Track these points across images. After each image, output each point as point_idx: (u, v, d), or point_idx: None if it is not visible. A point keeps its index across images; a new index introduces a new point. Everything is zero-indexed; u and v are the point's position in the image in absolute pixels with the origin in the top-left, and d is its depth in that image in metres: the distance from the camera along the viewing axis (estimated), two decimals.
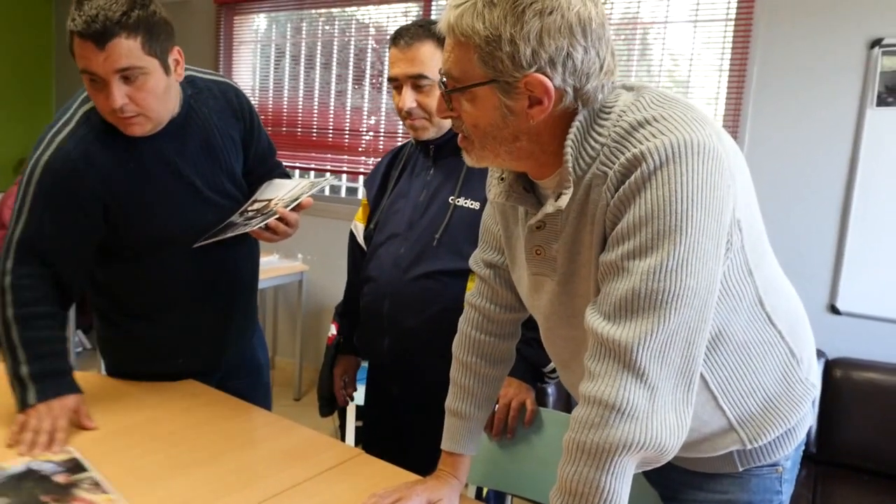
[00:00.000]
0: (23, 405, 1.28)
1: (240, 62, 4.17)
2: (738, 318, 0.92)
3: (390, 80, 1.49)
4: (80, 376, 1.52)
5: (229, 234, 1.42)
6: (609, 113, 0.86)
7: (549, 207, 0.89)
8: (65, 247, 1.36)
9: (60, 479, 1.15)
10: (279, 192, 1.51)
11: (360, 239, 1.68)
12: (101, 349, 1.64)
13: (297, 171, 3.90)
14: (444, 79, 0.88)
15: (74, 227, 1.35)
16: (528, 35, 0.79)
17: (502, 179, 0.98)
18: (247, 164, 1.57)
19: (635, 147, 0.81)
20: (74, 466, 1.19)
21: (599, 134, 0.85)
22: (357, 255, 1.69)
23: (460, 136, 0.93)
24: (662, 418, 0.82)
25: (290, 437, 1.33)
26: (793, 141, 2.58)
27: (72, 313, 3.33)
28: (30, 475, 1.15)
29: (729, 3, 2.65)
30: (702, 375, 0.92)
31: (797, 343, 1.00)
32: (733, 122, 2.66)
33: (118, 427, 1.32)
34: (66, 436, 1.25)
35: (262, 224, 1.40)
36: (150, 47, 1.24)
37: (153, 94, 1.28)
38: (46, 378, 1.31)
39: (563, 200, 0.87)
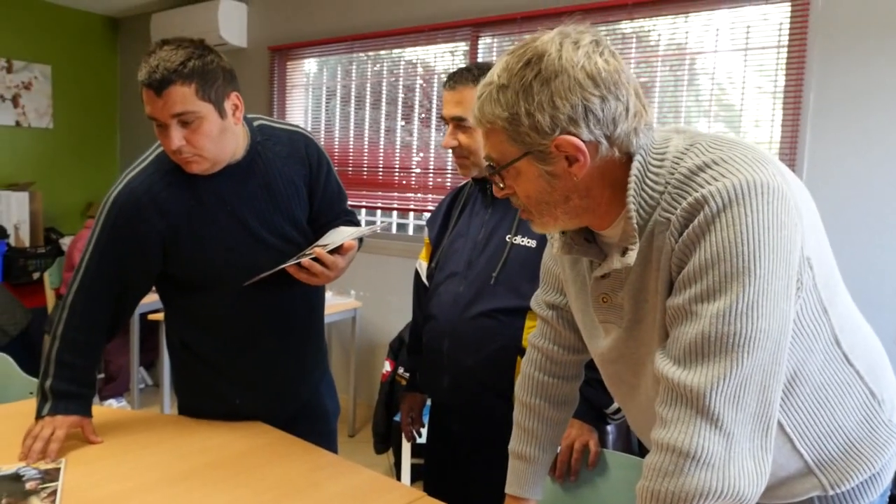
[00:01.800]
0: (38, 414, 1.41)
1: (292, 105, 4.31)
2: (814, 359, 0.90)
3: (441, 118, 1.54)
4: (142, 415, 1.58)
5: (269, 272, 1.45)
6: (662, 159, 0.86)
7: (617, 263, 0.90)
8: (124, 276, 1.46)
9: (30, 485, 1.24)
10: (336, 238, 1.54)
11: (424, 277, 1.70)
12: (173, 385, 1.70)
13: None
14: (490, 164, 0.92)
15: (134, 259, 1.45)
16: (542, 104, 0.82)
17: (563, 233, 0.99)
18: (312, 210, 1.61)
19: (696, 191, 0.81)
20: (49, 476, 1.28)
21: (656, 181, 0.86)
22: (421, 293, 1.71)
23: (520, 210, 0.95)
24: (740, 465, 0.79)
25: (352, 479, 1.34)
26: (854, 166, 2.51)
27: (136, 350, 3.44)
28: (11, 478, 1.27)
29: (780, 29, 2.62)
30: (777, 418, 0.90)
31: (877, 383, 0.96)
32: (790, 150, 2.61)
33: (180, 468, 1.35)
34: (59, 446, 1.37)
35: (295, 262, 1.43)
36: (203, 93, 1.34)
37: (208, 136, 1.37)
38: (64, 398, 1.43)
39: (631, 257, 0.87)
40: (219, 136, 1.39)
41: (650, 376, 0.95)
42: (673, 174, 0.85)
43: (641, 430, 1.07)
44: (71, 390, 1.44)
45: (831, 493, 0.95)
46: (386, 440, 3.00)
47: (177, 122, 1.34)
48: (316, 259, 1.44)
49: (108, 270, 1.45)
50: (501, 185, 0.92)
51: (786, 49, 2.61)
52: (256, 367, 1.58)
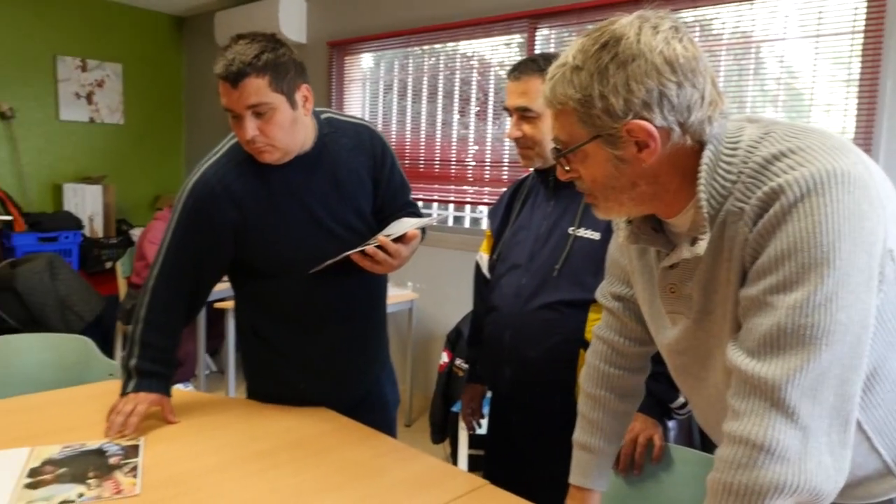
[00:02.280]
0: (122, 392, 1.50)
1: (350, 99, 4.38)
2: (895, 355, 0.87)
3: (505, 109, 1.54)
4: (213, 398, 1.64)
5: (334, 259, 1.48)
6: (735, 148, 0.84)
7: (686, 253, 0.89)
8: (199, 262, 1.53)
9: (113, 460, 1.31)
10: (399, 228, 1.56)
11: (485, 269, 1.71)
12: (242, 370, 1.77)
13: None
14: (557, 146, 0.91)
15: (208, 246, 1.52)
16: (617, 87, 0.82)
17: (630, 222, 0.98)
18: (377, 201, 1.65)
19: (772, 180, 0.79)
20: (131, 452, 1.35)
21: (728, 171, 0.84)
22: (482, 285, 1.72)
23: (585, 195, 0.95)
24: (817, 461, 0.78)
25: (416, 466, 1.37)
26: None
27: (202, 337, 3.57)
28: (97, 453, 1.34)
29: (855, 14, 2.51)
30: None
31: None
32: (865, 140, 2.50)
33: (250, 450, 1.40)
34: (138, 420, 1.44)
35: (359, 250, 1.46)
36: (276, 85, 1.39)
37: (280, 126, 1.42)
38: (147, 376, 1.51)
39: (701, 247, 0.86)
40: (290, 127, 1.44)
41: (720, 369, 0.93)
42: (747, 163, 0.83)
43: (709, 423, 1.06)
44: (153, 369, 1.52)
45: None
46: (442, 430, 3.03)
47: (251, 113, 1.39)
48: (380, 247, 1.47)
49: (185, 257, 1.52)
50: (567, 168, 0.92)
51: (861, 35, 2.50)
52: (321, 352, 1.63)
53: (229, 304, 3.27)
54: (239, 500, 1.19)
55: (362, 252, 1.48)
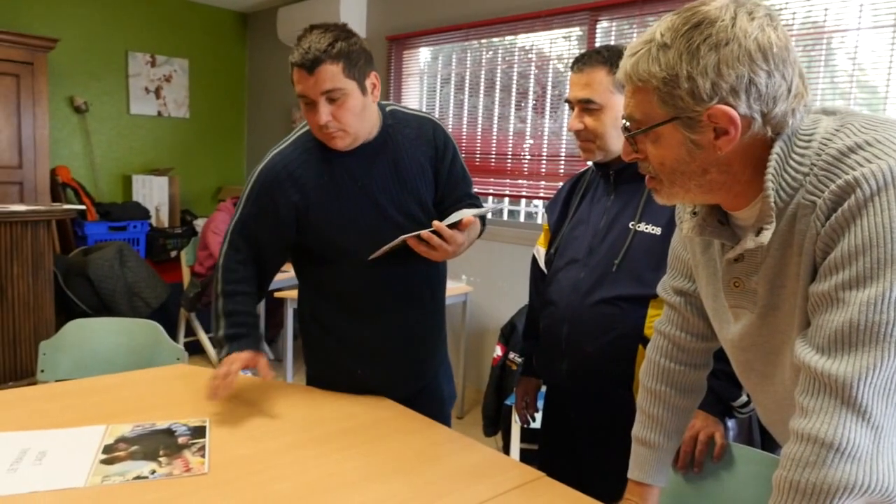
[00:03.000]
0: (219, 360, 1.55)
1: (408, 92, 4.41)
2: None
3: (567, 101, 1.53)
4: (276, 384, 1.70)
5: (390, 244, 1.50)
6: (809, 140, 0.82)
7: (750, 243, 0.87)
8: (263, 241, 1.61)
9: (183, 440, 1.36)
10: (456, 216, 1.57)
11: (542, 263, 1.71)
12: (303, 356, 1.83)
13: None
14: (627, 123, 0.90)
15: (272, 226, 1.59)
16: (706, 69, 0.80)
17: (695, 214, 0.97)
18: (438, 191, 1.68)
19: (847, 173, 0.77)
20: (198, 433, 1.40)
21: (801, 163, 0.82)
22: (539, 280, 1.72)
23: (647, 177, 0.93)
24: (889, 460, 0.76)
25: (473, 455, 1.38)
26: None
27: (261, 326, 3.67)
28: (166, 432, 1.40)
29: None
30: None
31: None
32: None
33: (310, 434, 1.44)
34: (233, 379, 1.50)
35: (415, 234, 1.48)
36: (349, 72, 1.46)
37: (352, 112, 1.49)
38: (234, 339, 1.56)
39: (766, 236, 0.84)
40: (361, 112, 1.51)
41: (787, 366, 0.91)
42: (820, 155, 0.81)
43: (774, 422, 1.03)
44: (239, 332, 1.58)
45: None
46: (495, 423, 3.04)
47: (325, 99, 1.45)
48: (435, 233, 1.49)
49: (250, 235, 1.60)
50: (634, 148, 0.91)
51: None
52: (377, 339, 1.65)
53: (288, 294, 3.35)
54: (300, 481, 1.23)
55: (418, 237, 1.50)
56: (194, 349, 4.45)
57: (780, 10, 2.77)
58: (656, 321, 1.21)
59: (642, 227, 1.47)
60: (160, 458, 1.28)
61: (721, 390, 1.33)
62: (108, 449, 1.31)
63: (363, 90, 1.50)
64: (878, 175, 0.75)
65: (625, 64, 0.88)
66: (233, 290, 1.60)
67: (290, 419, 1.51)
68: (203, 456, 1.30)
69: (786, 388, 0.92)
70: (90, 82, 4.94)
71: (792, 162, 0.83)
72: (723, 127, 0.82)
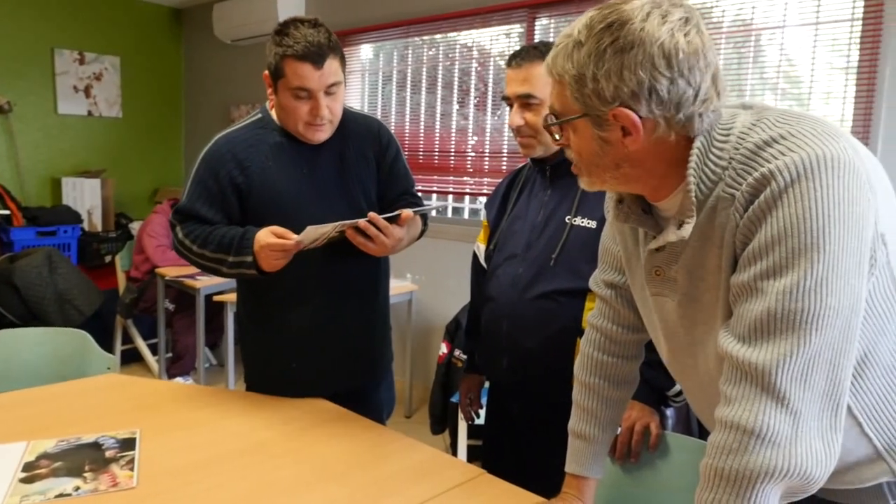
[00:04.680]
0: (257, 270, 1.51)
1: (349, 90, 4.36)
2: (886, 340, 0.86)
3: (504, 98, 1.53)
4: (211, 390, 1.65)
5: (325, 230, 1.47)
6: (728, 134, 0.84)
7: (672, 236, 0.89)
8: (210, 217, 1.59)
9: (110, 453, 1.31)
10: (396, 212, 1.56)
11: (482, 259, 1.71)
12: (241, 358, 1.80)
13: None
14: (552, 113, 0.92)
15: (217, 205, 1.59)
16: (609, 73, 0.81)
17: (621, 202, 0.99)
18: (379, 186, 1.69)
19: (763, 166, 0.79)
20: (127, 444, 1.35)
21: (720, 157, 0.84)
22: (479, 275, 1.72)
23: (573, 165, 0.95)
24: (808, 445, 0.78)
25: (413, 455, 1.37)
26: None
27: (201, 330, 3.58)
28: (92, 446, 1.34)
29: (854, 1, 2.49)
30: None
31: None
32: (864, 127, 2.49)
33: (247, 441, 1.40)
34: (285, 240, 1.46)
35: (352, 222, 1.46)
36: (342, 66, 1.54)
37: (342, 103, 1.59)
38: (240, 249, 1.51)
39: (687, 230, 0.86)
40: (342, 104, 1.59)
41: (711, 356, 0.93)
42: (738, 149, 0.83)
43: (702, 409, 1.06)
44: (236, 231, 1.54)
45: None
46: (442, 421, 3.04)
47: (325, 92, 1.50)
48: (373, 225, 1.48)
49: (196, 215, 1.59)
50: (558, 136, 0.93)
51: (860, 22, 2.49)
52: (313, 330, 1.64)
53: (227, 298, 3.27)
54: (236, 491, 1.20)
55: (355, 228, 1.48)
56: (132, 357, 4.30)
57: (712, 8, 2.84)
58: (589, 315, 1.22)
59: (578, 220, 1.49)
60: (85, 474, 1.22)
61: (655, 380, 1.36)
62: (28, 467, 1.24)
63: (345, 83, 1.59)
64: (791, 167, 0.77)
65: (549, 58, 0.89)
66: (204, 235, 1.56)
67: (226, 427, 1.47)
68: (132, 469, 1.25)
69: (711, 377, 0.94)
70: (13, 81, 4.71)
71: (711, 156, 0.85)
72: (628, 127, 0.84)
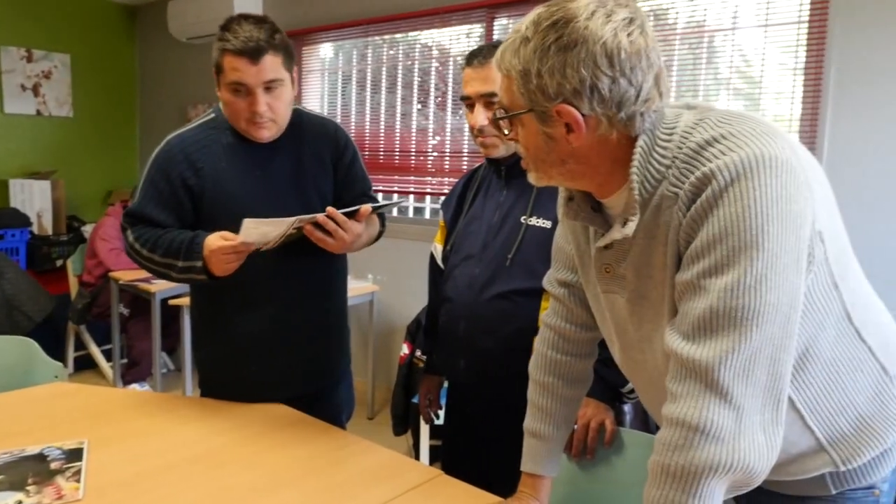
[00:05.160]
0: (207, 275, 1.49)
1: (309, 90, 4.31)
2: (826, 335, 0.89)
3: (463, 98, 1.52)
4: (164, 397, 1.61)
5: (285, 231, 1.45)
6: (671, 134, 0.86)
7: (617, 234, 0.91)
8: (162, 220, 1.57)
9: (56, 465, 1.27)
10: (355, 207, 1.54)
11: (439, 260, 1.70)
12: (195, 363, 1.76)
13: None
14: (500, 107, 0.94)
15: (169, 207, 1.57)
16: (553, 69, 0.83)
17: (571, 199, 1.00)
18: (336, 188, 1.68)
19: (704, 166, 0.81)
20: (74, 455, 1.30)
21: (664, 156, 0.86)
22: (437, 276, 1.72)
23: (522, 159, 0.97)
24: (750, 439, 0.80)
25: (371, 458, 1.36)
26: (875, 142, 2.46)
27: (157, 335, 3.50)
28: (37, 458, 1.29)
29: (801, 4, 2.56)
30: (788, 394, 0.89)
31: (889, 360, 0.95)
32: (811, 126, 2.56)
33: (202, 448, 1.37)
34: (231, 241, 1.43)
35: (309, 217, 1.44)
36: (286, 64, 1.51)
37: (285, 102, 1.54)
38: (189, 253, 1.49)
39: (630, 228, 0.88)
40: (289, 104, 1.56)
41: (659, 352, 0.95)
42: (681, 149, 0.84)
43: (651, 405, 1.07)
44: (185, 235, 1.52)
45: (843, 468, 0.94)
46: (404, 422, 3.03)
47: (263, 89, 1.48)
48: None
49: (148, 217, 1.56)
50: (506, 131, 0.94)
51: (807, 24, 2.56)
52: (269, 333, 1.61)
53: (183, 301, 3.21)
54: (188, 501, 1.17)
55: (314, 223, 1.46)
56: (86, 364, 4.18)
57: (667, 9, 2.89)
58: (543, 314, 1.23)
59: (534, 220, 1.49)
60: (28, 487, 1.18)
61: (610, 377, 1.37)
62: None
63: (293, 83, 1.55)
64: (731, 167, 0.79)
65: (497, 51, 0.91)
66: (154, 239, 1.53)
67: (178, 435, 1.43)
68: (78, 481, 1.21)
69: (659, 373, 0.95)
70: None
71: (656, 154, 0.86)
72: (571, 124, 0.85)
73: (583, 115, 0.84)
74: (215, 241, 1.46)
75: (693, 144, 0.83)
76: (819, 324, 0.87)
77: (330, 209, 1.46)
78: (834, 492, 0.97)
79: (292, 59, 1.53)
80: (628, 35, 0.82)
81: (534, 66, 0.84)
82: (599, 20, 0.81)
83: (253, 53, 1.44)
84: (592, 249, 1.00)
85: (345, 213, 1.47)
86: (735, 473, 0.79)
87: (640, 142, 0.86)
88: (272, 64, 1.46)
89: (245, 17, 1.48)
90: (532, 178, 0.97)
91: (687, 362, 0.82)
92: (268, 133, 1.55)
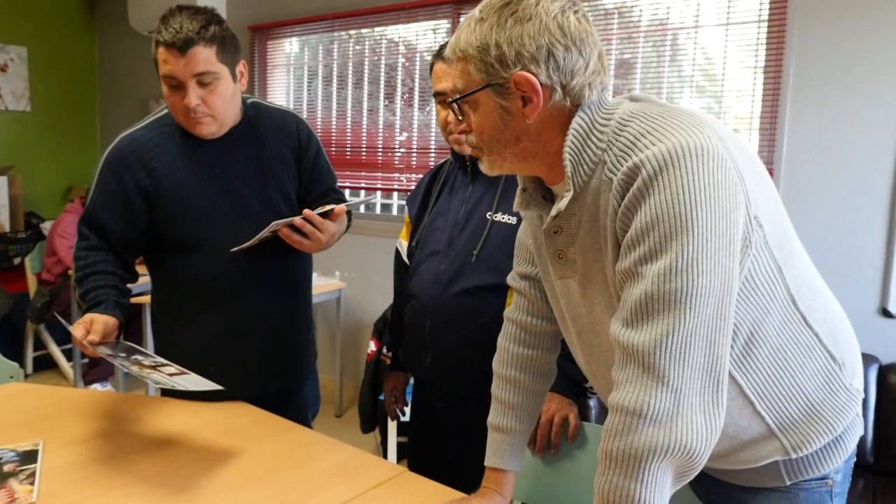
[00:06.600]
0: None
1: (274, 85, 4.26)
2: (772, 319, 0.91)
3: (436, 95, 1.51)
4: (125, 397, 1.58)
5: (262, 233, 1.44)
6: (609, 119, 0.90)
7: (553, 210, 0.94)
8: (112, 228, 1.53)
9: (9, 467, 1.24)
10: (328, 207, 1.53)
11: (405, 256, 1.70)
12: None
13: None
14: (453, 96, 0.96)
15: (120, 211, 1.52)
16: (511, 38, 0.88)
17: (524, 190, 1.02)
18: (301, 185, 1.65)
19: (635, 155, 0.84)
20: (28, 457, 1.27)
21: (600, 139, 0.89)
22: (402, 272, 1.71)
23: (472, 148, 0.99)
24: (689, 420, 0.81)
25: (335, 456, 1.35)
26: (835, 140, 2.52)
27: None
28: None
29: (761, 4, 2.61)
30: (736, 380, 0.91)
31: (837, 347, 0.97)
32: (770, 123, 2.62)
33: (162, 448, 1.35)
34: (95, 340, 1.32)
35: (287, 221, 1.43)
36: (222, 56, 1.45)
37: (222, 97, 1.47)
38: (94, 307, 1.44)
39: (563, 203, 0.92)
40: (230, 99, 1.49)
41: (606, 339, 0.96)
42: (618, 136, 0.88)
43: (604, 394, 1.08)
44: (98, 300, 1.45)
45: (794, 456, 0.96)
46: (372, 419, 3.02)
47: (195, 82, 1.43)
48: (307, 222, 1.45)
49: (99, 222, 1.53)
50: (460, 118, 0.97)
51: (766, 24, 2.61)
52: (231, 333, 1.59)
53: (144, 300, 3.14)
54: (146, 502, 1.15)
55: (290, 226, 1.45)
56: (46, 364, 4.08)
57: (632, 7, 2.92)
58: (506, 310, 1.23)
59: (499, 217, 1.50)
60: None
61: (573, 373, 1.38)
62: None
63: (234, 76, 1.49)
64: (658, 156, 0.81)
65: (451, 40, 0.94)
66: (85, 274, 1.50)
67: (138, 435, 1.41)
68: (32, 483, 1.18)
69: (607, 361, 0.97)
70: None
71: (594, 137, 0.90)
72: (527, 94, 0.89)
73: (540, 84, 0.88)
74: (81, 328, 1.34)
75: (629, 134, 0.87)
76: (764, 308, 0.89)
77: (306, 212, 1.45)
78: (788, 483, 0.99)
79: (232, 52, 1.48)
80: (574, 13, 0.89)
81: (492, 39, 0.89)
82: (548, 1, 0.89)
83: (181, 45, 1.39)
84: (543, 236, 1.02)
85: (319, 214, 1.46)
86: (675, 456, 0.81)
87: (576, 119, 0.90)
88: (202, 56, 1.41)
89: (182, 9, 1.44)
90: (485, 164, 0.99)
91: (627, 348, 0.84)
92: (206, 129, 1.49)
